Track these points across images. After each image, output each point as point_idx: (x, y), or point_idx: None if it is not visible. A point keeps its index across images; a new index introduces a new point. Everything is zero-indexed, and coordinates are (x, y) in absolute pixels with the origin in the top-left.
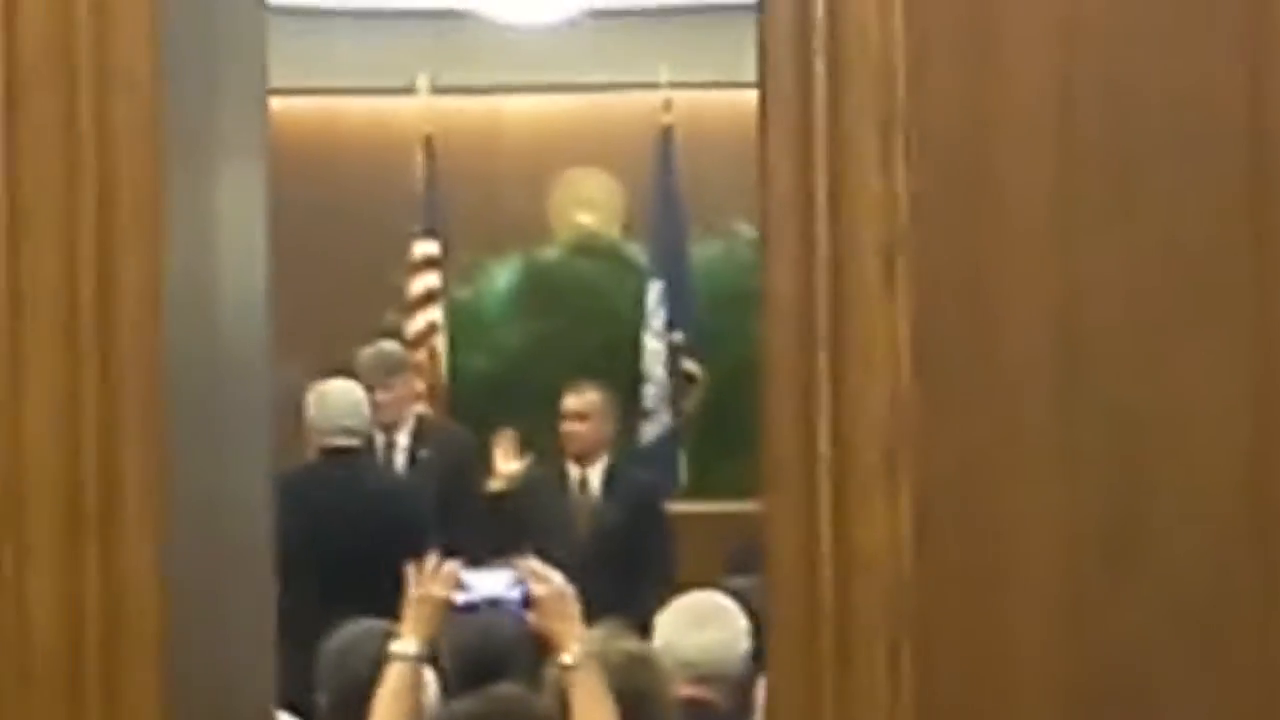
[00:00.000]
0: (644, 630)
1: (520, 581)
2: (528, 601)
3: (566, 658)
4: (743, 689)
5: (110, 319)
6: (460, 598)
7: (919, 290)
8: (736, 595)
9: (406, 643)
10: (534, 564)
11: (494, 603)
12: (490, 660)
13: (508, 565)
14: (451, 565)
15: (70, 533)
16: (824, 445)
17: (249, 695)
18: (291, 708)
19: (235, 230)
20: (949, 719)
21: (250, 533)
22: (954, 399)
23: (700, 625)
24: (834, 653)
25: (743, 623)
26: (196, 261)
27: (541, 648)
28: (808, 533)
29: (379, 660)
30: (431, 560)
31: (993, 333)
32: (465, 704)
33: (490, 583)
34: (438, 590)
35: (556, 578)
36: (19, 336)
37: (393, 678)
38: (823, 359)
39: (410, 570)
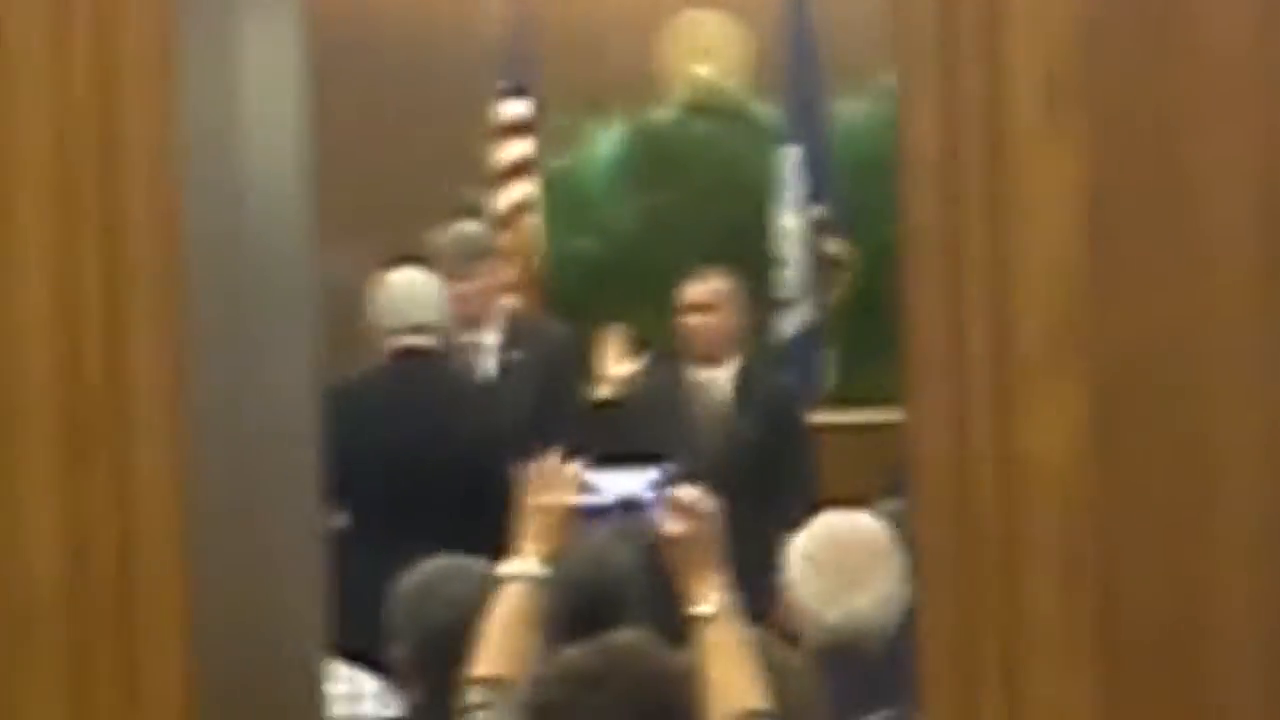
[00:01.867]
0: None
1: (662, 484)
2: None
3: (703, 607)
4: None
5: (114, 191)
6: (588, 500)
7: (1092, 133)
8: (896, 521)
9: (524, 561)
10: (684, 492)
11: (630, 505)
12: (605, 599)
13: (646, 464)
14: (574, 466)
15: (71, 451)
16: (977, 331)
17: (295, 642)
18: (359, 657)
19: (266, 80)
20: (1138, 659)
21: (289, 447)
22: (1137, 269)
23: (847, 584)
24: (996, 581)
25: (899, 565)
26: (218, 118)
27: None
28: (959, 439)
29: (465, 602)
30: (550, 460)
31: (1184, 186)
32: (577, 655)
33: (624, 482)
34: (560, 495)
35: (706, 505)
36: (4, 215)
37: (506, 601)
38: (972, 220)
39: (522, 473)
